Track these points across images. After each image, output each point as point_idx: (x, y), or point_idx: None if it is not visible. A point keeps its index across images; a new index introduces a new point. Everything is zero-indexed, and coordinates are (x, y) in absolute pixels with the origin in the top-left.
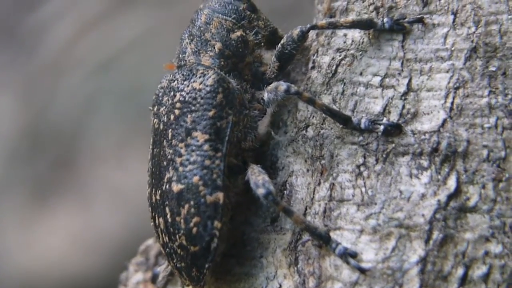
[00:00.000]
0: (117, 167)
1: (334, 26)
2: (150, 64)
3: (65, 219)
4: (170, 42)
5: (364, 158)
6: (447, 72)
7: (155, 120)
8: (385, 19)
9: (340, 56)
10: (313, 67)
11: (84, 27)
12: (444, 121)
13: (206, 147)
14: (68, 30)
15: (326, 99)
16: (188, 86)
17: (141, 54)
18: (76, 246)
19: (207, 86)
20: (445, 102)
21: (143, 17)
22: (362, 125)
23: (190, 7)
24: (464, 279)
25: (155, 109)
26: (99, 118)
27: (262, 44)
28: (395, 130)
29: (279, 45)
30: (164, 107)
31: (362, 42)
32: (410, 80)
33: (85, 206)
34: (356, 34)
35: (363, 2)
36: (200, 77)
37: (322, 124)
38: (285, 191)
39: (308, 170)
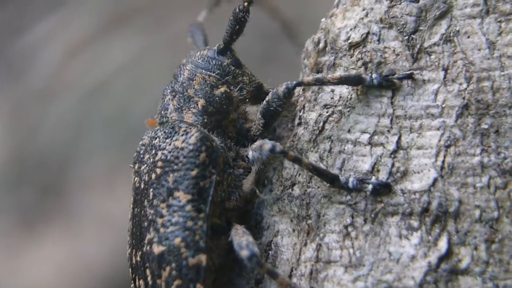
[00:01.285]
0: (106, 194)
1: (321, 83)
2: (139, 88)
3: (52, 247)
4: (159, 67)
5: (352, 218)
6: (438, 129)
7: (136, 178)
8: (374, 75)
9: (327, 112)
10: (299, 124)
11: (73, 52)
12: (435, 180)
13: (188, 207)
14: (57, 55)
15: (312, 157)
16: (170, 144)
17: (130, 78)
18: (63, 275)
19: (189, 144)
20: (436, 160)
21: (132, 41)
22: (350, 184)
23: (179, 32)
24: None
25: (136, 167)
26: (88, 143)
27: (247, 100)
28: (384, 189)
29: (264, 101)
30: (145, 165)
31: (350, 98)
32: (399, 138)
33: (72, 234)
34: (344, 90)
35: (351, 57)
36: (182, 135)
37: (309, 183)
38: (270, 252)
39: (294, 230)
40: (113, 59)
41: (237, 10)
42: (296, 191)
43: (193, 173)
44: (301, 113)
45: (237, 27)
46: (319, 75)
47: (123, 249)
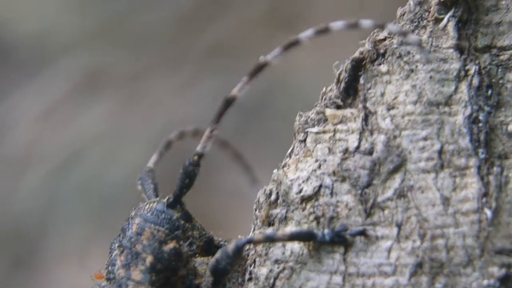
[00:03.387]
0: (79, 267)
1: (272, 240)
2: (113, 158)
3: None
4: (133, 136)
5: None
6: None
7: None
8: (326, 231)
9: (278, 268)
10: (250, 279)
11: (45, 121)
12: None
13: None
14: (30, 124)
15: None
16: None
17: (104, 148)
18: None
19: None
20: None
21: (106, 111)
22: None
23: (154, 101)
24: None
25: None
26: (61, 214)
27: (197, 254)
28: None
29: (214, 259)
30: None
31: (302, 254)
32: None
33: None
34: (295, 245)
35: (303, 210)
36: None
37: None
38: None
39: None
40: (87, 129)
41: (187, 163)
42: None
43: None
44: (251, 268)
45: (187, 180)
46: (269, 232)
47: None
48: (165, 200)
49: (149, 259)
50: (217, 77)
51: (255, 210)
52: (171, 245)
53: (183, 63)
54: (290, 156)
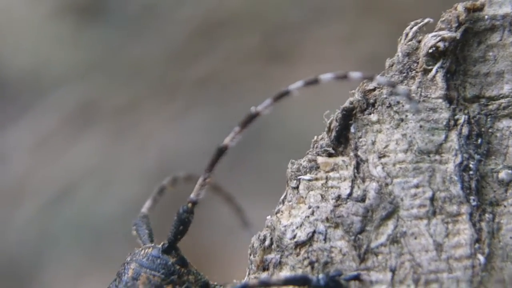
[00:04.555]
0: None
1: (266, 285)
2: (106, 192)
3: None
4: (127, 170)
5: None
6: None
7: None
8: (320, 275)
9: None
10: None
11: (39, 154)
12: None
13: None
14: (22, 158)
15: None
16: None
17: (97, 182)
18: None
19: None
20: None
21: (99, 145)
22: None
23: (147, 135)
24: None
25: None
26: (54, 249)
27: None
28: None
29: None
30: None
31: None
32: None
33: None
34: None
35: (297, 255)
36: None
37: None
38: None
39: None
40: (80, 161)
41: (181, 211)
42: None
43: None
44: None
45: (181, 227)
46: (264, 277)
47: None
48: (160, 245)
49: None
50: (208, 109)
51: (250, 255)
52: None
53: (174, 95)
54: (283, 202)
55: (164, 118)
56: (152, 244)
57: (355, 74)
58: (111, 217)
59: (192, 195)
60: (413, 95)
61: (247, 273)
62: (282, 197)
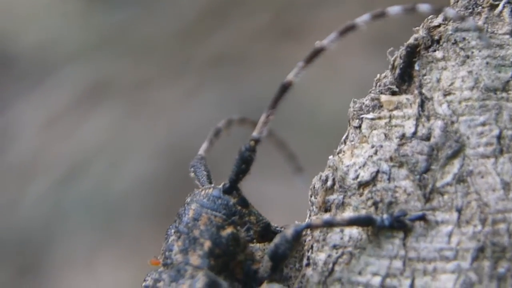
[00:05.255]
0: (85, 274)
1: (330, 225)
2: (118, 167)
3: None
4: (138, 145)
5: None
6: (453, 273)
7: None
8: (385, 216)
9: (337, 253)
10: (307, 264)
11: (51, 130)
12: None
13: None
14: (36, 134)
15: None
16: None
17: (107, 158)
18: None
19: None
20: None
21: (110, 120)
22: None
23: (158, 109)
24: None
25: None
26: (67, 223)
27: (254, 240)
28: None
29: (272, 244)
30: None
31: (360, 239)
32: (413, 281)
33: None
34: (353, 231)
35: (360, 196)
36: (188, 279)
37: None
38: None
39: None
40: (91, 136)
41: (244, 149)
42: None
43: None
44: (309, 253)
45: (243, 166)
46: (327, 218)
47: None
48: (221, 186)
49: (207, 244)
50: (220, 86)
51: (310, 196)
52: (228, 230)
53: (186, 73)
54: (345, 142)
55: (176, 95)
56: (212, 185)
57: (423, 6)
58: (122, 193)
59: (254, 133)
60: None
61: (307, 215)
62: (344, 137)
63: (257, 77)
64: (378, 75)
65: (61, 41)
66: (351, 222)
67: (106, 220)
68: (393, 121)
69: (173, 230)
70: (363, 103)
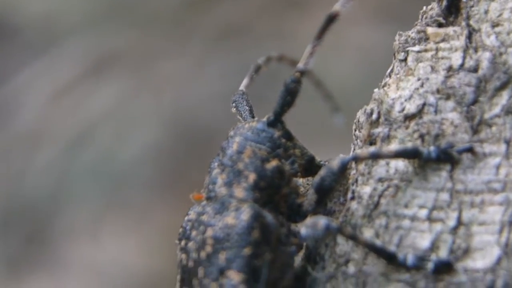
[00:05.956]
0: (91, 242)
1: (377, 157)
2: (124, 135)
3: None
4: (144, 113)
5: None
6: (501, 205)
7: (183, 255)
8: (432, 148)
9: (382, 186)
10: (352, 198)
11: (57, 99)
12: (499, 258)
13: (241, 287)
14: (41, 101)
15: (368, 233)
16: (220, 220)
17: (115, 125)
18: None
19: (241, 221)
20: (500, 237)
21: (116, 87)
22: (409, 262)
23: (163, 76)
24: None
25: (182, 243)
26: (73, 191)
27: (298, 173)
28: (445, 267)
29: (318, 176)
30: (193, 242)
31: (407, 172)
32: (460, 214)
33: (58, 283)
34: (399, 163)
35: (406, 128)
36: (233, 211)
37: (364, 260)
38: None
39: None
40: (97, 105)
41: (289, 80)
42: (351, 268)
43: (246, 251)
44: (354, 187)
45: (288, 98)
46: (373, 149)
47: None
48: (265, 119)
49: (252, 176)
50: (226, 57)
51: (354, 130)
52: (273, 163)
53: (192, 44)
54: (389, 75)
55: (182, 65)
56: (256, 118)
57: None
58: (128, 163)
59: (300, 64)
60: None
61: (352, 149)
62: (389, 70)
63: (263, 48)
64: (424, 7)
65: (67, 12)
66: (398, 154)
67: (112, 189)
68: (440, 53)
69: (216, 163)
70: (409, 36)
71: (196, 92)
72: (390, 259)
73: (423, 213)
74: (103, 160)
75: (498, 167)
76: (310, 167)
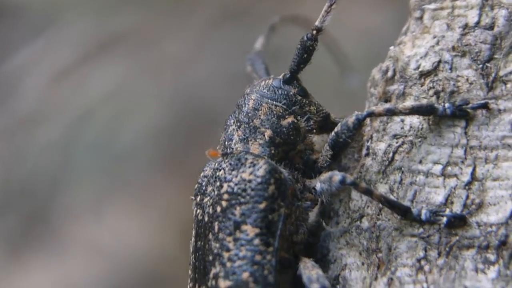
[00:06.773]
0: (93, 221)
1: (392, 113)
2: (125, 114)
3: (39, 275)
4: (146, 92)
5: (425, 251)
6: None
7: (199, 211)
8: (447, 105)
9: (397, 142)
10: (367, 154)
11: (58, 77)
12: None
13: (256, 241)
14: (42, 81)
15: (382, 188)
16: (236, 176)
17: (116, 104)
18: None
19: (257, 176)
20: None
21: (118, 67)
22: (423, 217)
23: (165, 57)
24: None
25: (198, 199)
26: (74, 170)
27: (314, 130)
28: (459, 222)
29: (333, 133)
30: (208, 198)
31: (421, 128)
32: (474, 169)
33: (60, 262)
34: (414, 120)
35: (421, 86)
36: (249, 167)
37: (378, 215)
38: (337, 286)
39: (363, 264)
40: (99, 85)
41: (305, 38)
42: (365, 223)
43: (261, 206)
44: (368, 143)
45: (305, 55)
46: (389, 105)
47: (111, 275)
48: (281, 76)
49: (268, 133)
50: (227, 38)
51: (369, 87)
52: (289, 119)
53: (193, 24)
54: (405, 33)
55: (183, 45)
56: (272, 76)
57: None
58: (130, 142)
59: (317, 22)
60: None
61: (366, 107)
62: (405, 28)
63: (264, 29)
64: None
65: None
66: (413, 111)
67: (114, 169)
68: (456, 11)
69: (232, 120)
70: None
71: (198, 73)
72: (404, 213)
73: (438, 168)
74: (105, 139)
75: None
76: (325, 124)
